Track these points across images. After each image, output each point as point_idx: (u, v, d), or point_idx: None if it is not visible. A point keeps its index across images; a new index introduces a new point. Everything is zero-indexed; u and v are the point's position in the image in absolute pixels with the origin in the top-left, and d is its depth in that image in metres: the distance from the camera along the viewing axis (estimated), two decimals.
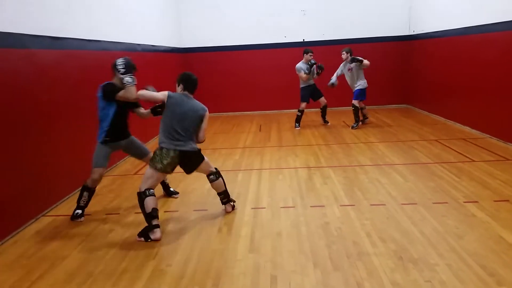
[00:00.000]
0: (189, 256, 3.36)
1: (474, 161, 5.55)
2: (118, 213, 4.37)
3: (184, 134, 3.88)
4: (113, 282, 3.02)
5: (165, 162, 3.82)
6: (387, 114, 9.83)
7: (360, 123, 8.42)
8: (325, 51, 10.38)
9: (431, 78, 9.31)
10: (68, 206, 4.64)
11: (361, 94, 8.29)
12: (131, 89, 4.00)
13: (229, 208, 4.29)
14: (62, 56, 4.99)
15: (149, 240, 3.66)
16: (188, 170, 4.10)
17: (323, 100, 8.65)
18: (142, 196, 3.77)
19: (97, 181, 4.28)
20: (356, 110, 8.28)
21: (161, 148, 3.86)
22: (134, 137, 4.55)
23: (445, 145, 6.47)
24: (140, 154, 4.59)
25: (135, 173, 5.86)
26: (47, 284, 3.04)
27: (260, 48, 10.73)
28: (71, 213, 4.38)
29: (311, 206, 4.29)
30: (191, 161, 4.03)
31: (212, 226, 3.93)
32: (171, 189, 4.88)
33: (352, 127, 8.26)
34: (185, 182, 5.35)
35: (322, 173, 5.40)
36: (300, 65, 8.43)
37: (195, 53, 10.88)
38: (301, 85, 8.56)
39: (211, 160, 6.35)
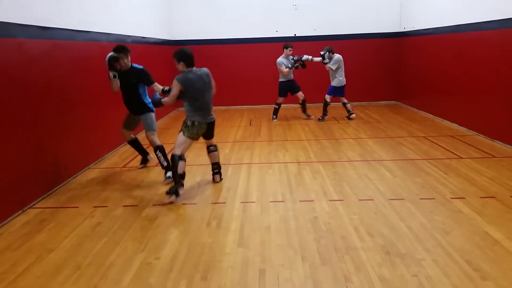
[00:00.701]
0: (178, 249, 3.36)
1: (461, 158, 5.62)
2: (106, 206, 4.33)
3: (210, 106, 4.63)
4: (101, 275, 3.01)
5: (199, 132, 4.58)
6: (376, 110, 9.89)
7: (326, 117, 8.74)
8: (316, 46, 10.39)
9: (420, 75, 9.38)
10: (56, 198, 4.60)
11: (334, 91, 8.54)
12: (112, 85, 4.97)
13: (218, 179, 4.96)
14: (51, 46, 4.91)
15: (177, 197, 4.35)
16: (211, 135, 4.84)
17: (301, 94, 8.77)
18: (177, 158, 4.41)
19: (125, 139, 5.61)
20: (325, 104, 8.61)
21: (193, 122, 4.50)
22: (146, 116, 5.24)
23: (433, 142, 6.54)
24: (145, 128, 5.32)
25: (124, 166, 5.82)
26: (34, 277, 3.01)
27: (252, 42, 10.70)
28: (59, 205, 4.35)
29: (300, 201, 4.31)
30: (212, 128, 4.80)
31: (201, 219, 3.93)
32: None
33: (318, 120, 8.65)
34: None
35: (311, 168, 5.43)
36: (281, 59, 8.55)
37: (186, 46, 10.76)
38: (280, 79, 8.69)
39: (201, 153, 6.36)
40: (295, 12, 10.66)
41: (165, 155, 5.16)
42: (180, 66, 4.38)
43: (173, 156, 4.43)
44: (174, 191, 4.34)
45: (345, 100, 8.65)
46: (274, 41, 10.11)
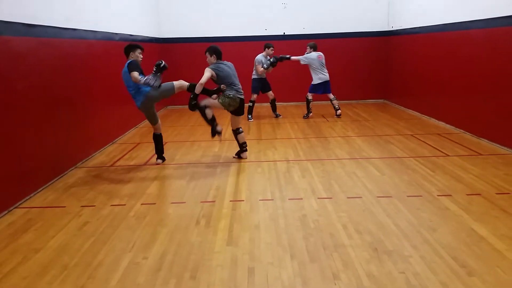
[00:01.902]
0: (166, 248, 3.34)
1: (448, 155, 5.68)
2: (94, 205, 4.29)
3: (240, 87, 5.58)
4: (88, 275, 2.97)
5: (232, 104, 5.50)
6: (364, 108, 9.96)
7: (311, 114, 8.90)
8: (304, 45, 10.41)
9: (408, 74, 9.46)
10: (42, 197, 4.53)
11: (313, 88, 8.73)
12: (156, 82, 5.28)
13: (245, 155, 5.86)
14: (37, 44, 4.84)
15: (219, 134, 5.61)
16: (241, 112, 5.72)
17: (271, 94, 8.89)
18: (203, 108, 5.35)
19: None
20: (307, 102, 8.82)
21: (229, 95, 5.43)
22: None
23: (420, 140, 6.61)
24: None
25: (111, 165, 5.77)
26: (20, 277, 2.97)
27: (241, 40, 10.67)
28: (45, 205, 4.30)
29: (289, 199, 4.32)
30: (243, 106, 5.68)
31: (190, 218, 3.91)
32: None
33: (304, 117, 8.82)
34: (163, 174, 5.30)
35: (300, 166, 5.44)
36: (260, 57, 8.65)
37: (174, 44, 10.73)
38: (254, 76, 8.78)
39: (190, 152, 6.35)
40: (284, 11, 10.67)
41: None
42: (213, 59, 5.52)
43: (199, 107, 5.32)
44: (214, 133, 5.54)
45: (331, 96, 8.76)
46: (263, 40, 10.08)
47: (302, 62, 8.56)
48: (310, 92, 8.74)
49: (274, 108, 9.06)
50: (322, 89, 8.65)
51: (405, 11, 9.69)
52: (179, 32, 10.71)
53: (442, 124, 7.74)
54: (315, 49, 8.61)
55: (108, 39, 7.04)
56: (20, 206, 4.30)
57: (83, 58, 6.05)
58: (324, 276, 2.88)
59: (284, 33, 10.69)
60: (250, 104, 8.80)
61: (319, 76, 8.55)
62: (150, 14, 10.03)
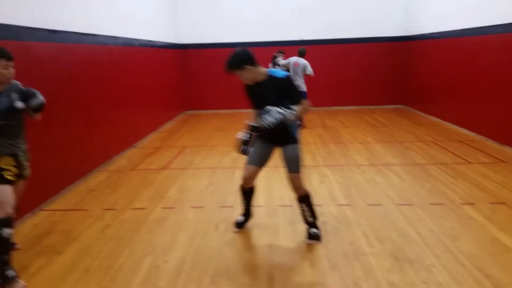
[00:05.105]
0: (186, 252, 3.36)
1: (470, 162, 5.58)
2: (115, 209, 4.35)
3: None
4: (110, 278, 3.01)
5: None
6: (383, 114, 9.86)
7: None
8: (322, 50, 10.41)
9: (427, 79, 9.35)
10: (65, 200, 4.62)
11: None
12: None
13: None
14: (59, 49, 4.95)
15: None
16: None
17: None
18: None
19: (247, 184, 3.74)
20: None
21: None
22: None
23: (441, 146, 6.51)
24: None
25: (132, 169, 5.84)
26: (44, 279, 3.03)
27: (258, 46, 10.68)
28: (68, 207, 4.37)
29: None
30: None
31: (209, 223, 3.93)
32: None
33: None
34: (182, 178, 5.34)
35: (319, 172, 5.41)
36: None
37: (193, 49, 10.83)
38: None
39: (209, 156, 6.38)
40: (301, 16, 10.68)
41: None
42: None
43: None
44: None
45: None
46: (280, 45, 10.12)
47: (280, 63, 8.33)
48: None
49: None
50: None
51: (422, 16, 9.59)
52: (196, 38, 10.82)
53: (463, 130, 7.61)
54: (300, 55, 8.27)
55: (128, 44, 7.15)
56: (44, 208, 4.39)
57: (104, 63, 6.16)
58: (345, 284, 2.85)
59: (300, 38, 10.69)
60: None
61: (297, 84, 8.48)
62: (169, 20, 10.15)
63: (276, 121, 3.10)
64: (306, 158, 6.11)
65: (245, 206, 3.76)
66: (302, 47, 8.50)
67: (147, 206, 4.39)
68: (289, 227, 3.77)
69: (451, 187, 4.66)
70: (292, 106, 3.18)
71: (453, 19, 7.93)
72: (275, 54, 8.84)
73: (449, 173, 5.16)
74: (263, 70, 3.35)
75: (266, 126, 3.13)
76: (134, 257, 3.31)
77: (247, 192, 3.69)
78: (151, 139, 7.91)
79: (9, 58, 3.00)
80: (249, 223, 3.85)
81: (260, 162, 3.58)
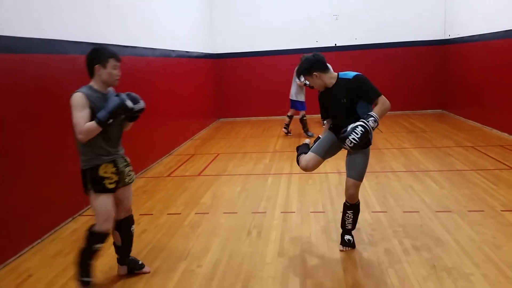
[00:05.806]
0: (219, 258, 3.40)
1: None
2: (152, 214, 4.47)
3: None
4: (145, 281, 3.10)
5: None
6: (421, 119, 9.61)
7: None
8: (358, 56, 10.29)
9: (467, 83, 9.03)
10: None
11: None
12: None
13: None
14: None
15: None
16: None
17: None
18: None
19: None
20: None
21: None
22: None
23: (482, 152, 6.26)
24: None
25: (168, 175, 5.98)
26: None
27: (292, 53, 10.72)
28: None
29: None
30: None
31: (241, 228, 3.96)
32: None
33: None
34: (215, 184, 5.42)
35: None
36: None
37: (227, 59, 11.00)
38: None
39: (242, 163, 6.44)
40: (335, 22, 10.62)
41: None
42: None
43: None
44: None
45: (289, 113, 8.56)
46: (315, 51, 10.12)
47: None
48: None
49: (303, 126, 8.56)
50: (291, 105, 8.46)
51: (462, 19, 9.29)
52: (231, 47, 10.98)
53: (505, 135, 7.29)
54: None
55: (166, 56, 7.37)
56: (83, 214, 4.57)
57: (143, 74, 6.38)
58: None
59: (335, 44, 10.62)
60: (305, 118, 8.46)
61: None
62: (204, 31, 10.37)
63: (360, 137, 2.92)
64: (340, 164, 6.05)
65: None
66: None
67: (182, 212, 4.49)
68: (322, 234, 3.74)
69: (491, 193, 4.48)
70: (371, 113, 2.99)
71: (494, 21, 7.65)
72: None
73: (490, 179, 4.95)
74: (334, 75, 3.21)
75: (349, 146, 2.97)
76: (169, 261, 3.38)
77: None
78: (187, 146, 8.08)
79: (118, 59, 2.85)
80: (281, 230, 3.86)
81: (325, 155, 3.43)
